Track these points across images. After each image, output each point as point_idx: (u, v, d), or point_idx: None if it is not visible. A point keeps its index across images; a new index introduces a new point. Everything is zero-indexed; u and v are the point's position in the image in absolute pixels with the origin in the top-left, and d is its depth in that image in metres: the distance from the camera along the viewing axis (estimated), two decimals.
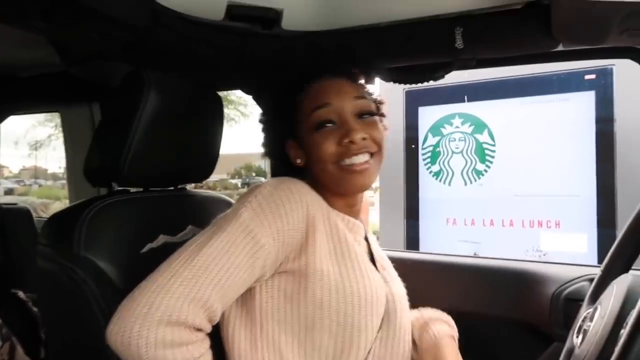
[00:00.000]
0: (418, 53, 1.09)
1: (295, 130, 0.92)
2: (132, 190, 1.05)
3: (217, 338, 0.83)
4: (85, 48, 1.11)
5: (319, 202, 0.85)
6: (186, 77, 1.08)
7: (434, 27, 1.00)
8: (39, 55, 1.39)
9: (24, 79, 1.65)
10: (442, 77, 1.11)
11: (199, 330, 0.71)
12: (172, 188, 1.12)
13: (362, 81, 0.99)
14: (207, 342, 0.74)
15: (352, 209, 0.93)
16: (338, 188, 0.88)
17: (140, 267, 0.91)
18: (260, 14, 1.05)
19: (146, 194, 1.04)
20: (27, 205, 1.60)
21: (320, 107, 0.87)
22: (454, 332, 0.98)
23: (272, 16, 1.05)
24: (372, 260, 0.92)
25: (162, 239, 0.96)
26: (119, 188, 1.00)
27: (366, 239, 0.95)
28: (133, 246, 0.91)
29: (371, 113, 0.90)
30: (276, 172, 1.38)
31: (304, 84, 0.91)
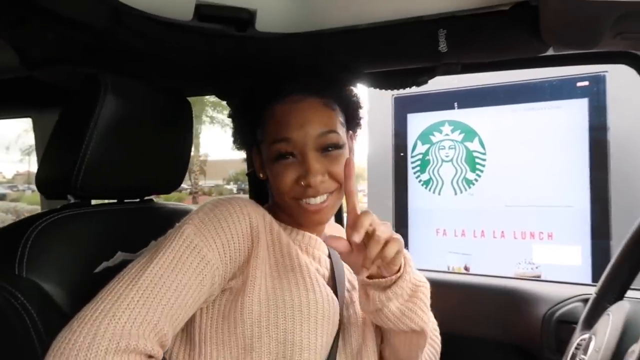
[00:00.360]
0: (399, 57, 1.03)
1: (260, 142, 0.88)
2: (94, 202, 0.97)
3: None
4: (44, 51, 1.04)
5: (262, 215, 0.82)
6: (152, 81, 1.01)
7: (416, 29, 0.95)
8: (8, 57, 1.32)
9: None
10: (426, 82, 1.05)
11: (150, 357, 0.64)
12: (137, 200, 1.05)
13: (338, 89, 0.91)
14: None
15: (313, 228, 0.90)
16: (294, 219, 0.86)
17: (93, 288, 0.84)
18: (231, 14, 0.99)
19: (106, 207, 0.96)
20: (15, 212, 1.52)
21: (281, 140, 0.82)
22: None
23: (245, 17, 0.99)
24: (333, 279, 0.86)
25: (120, 256, 0.89)
26: (75, 201, 0.92)
27: (330, 256, 0.90)
28: (86, 265, 0.84)
29: (337, 146, 0.83)
30: (252, 180, 1.31)
31: (271, 101, 0.85)
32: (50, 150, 0.92)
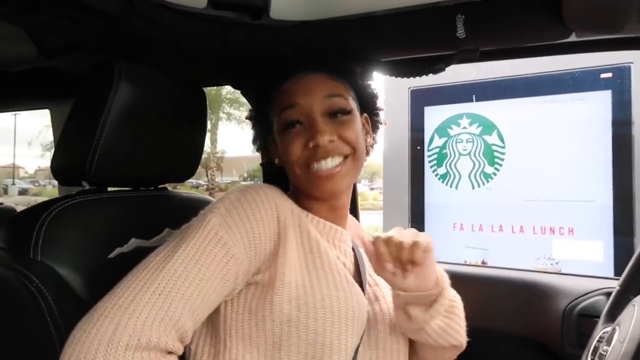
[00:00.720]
0: (416, 44, 1.01)
1: (271, 125, 0.87)
2: (110, 189, 0.98)
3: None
4: (60, 38, 1.05)
5: (290, 206, 0.80)
6: (166, 70, 1.01)
7: (433, 15, 0.93)
8: (27, 49, 1.34)
9: (13, 74, 1.60)
10: (443, 69, 1.03)
11: (170, 353, 0.63)
12: (151, 188, 1.05)
13: (349, 74, 0.90)
14: None
15: (334, 214, 0.86)
16: (307, 191, 0.83)
17: (107, 274, 0.84)
18: (246, 1, 0.98)
19: (119, 194, 0.97)
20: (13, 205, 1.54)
21: (288, 107, 0.81)
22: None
23: (260, 4, 0.99)
24: (358, 273, 0.84)
25: (133, 242, 0.89)
26: (89, 187, 0.92)
27: (354, 250, 0.87)
28: (100, 251, 0.84)
29: (344, 111, 0.82)
30: (266, 170, 1.31)
31: (281, 81, 0.85)
32: (65, 136, 0.93)
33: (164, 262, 0.65)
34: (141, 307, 0.60)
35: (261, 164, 1.30)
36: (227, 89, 16.12)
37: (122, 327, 0.58)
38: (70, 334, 0.59)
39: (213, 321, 0.74)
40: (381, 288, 0.88)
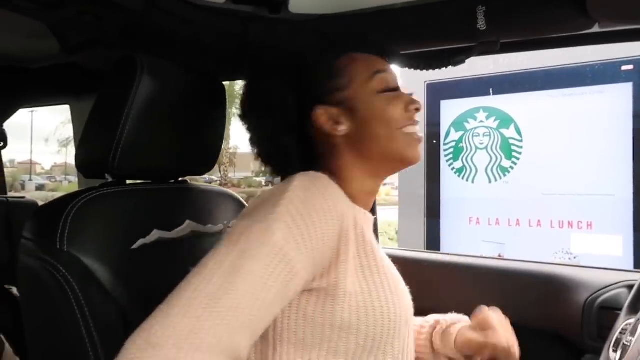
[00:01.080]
0: (436, 36, 1.01)
1: (326, 96, 0.81)
2: (129, 182, 0.99)
3: None
4: (82, 33, 1.07)
5: (348, 205, 0.76)
6: (187, 64, 1.02)
7: (453, 6, 0.92)
8: (47, 46, 1.36)
9: (34, 71, 1.63)
10: (463, 62, 1.02)
11: None
12: (172, 181, 1.06)
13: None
14: None
15: (372, 199, 0.86)
16: (400, 155, 0.80)
17: (131, 264, 0.86)
18: None
19: (141, 186, 0.98)
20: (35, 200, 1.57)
21: (382, 71, 0.82)
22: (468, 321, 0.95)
23: None
24: None
25: (156, 234, 0.90)
26: (112, 180, 0.94)
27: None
28: (123, 242, 0.85)
29: None
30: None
31: (345, 50, 0.84)
32: (89, 130, 0.94)
33: (225, 285, 0.58)
34: (199, 341, 0.54)
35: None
36: (240, 85, 16.16)
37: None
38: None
39: None
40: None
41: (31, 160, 30.83)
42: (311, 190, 0.69)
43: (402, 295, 0.77)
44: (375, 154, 0.80)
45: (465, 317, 0.95)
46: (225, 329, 0.56)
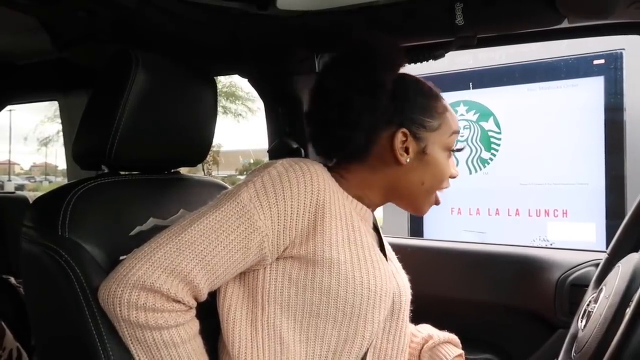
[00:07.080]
0: (417, 31, 1.06)
1: (414, 126, 0.84)
2: (123, 173, 1.02)
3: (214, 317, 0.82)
4: (75, 29, 1.09)
5: (335, 188, 0.82)
6: (179, 59, 1.05)
7: (433, 3, 0.97)
8: (36, 41, 1.37)
9: (22, 67, 1.64)
10: (442, 55, 1.08)
11: (178, 302, 0.71)
12: (165, 172, 1.10)
13: None
14: (188, 315, 0.74)
15: (373, 208, 0.92)
16: (417, 206, 0.89)
17: (129, 250, 0.89)
18: None
19: (136, 177, 1.01)
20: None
21: (457, 133, 0.89)
22: (461, 352, 0.99)
23: None
24: (382, 251, 0.89)
25: (152, 222, 0.94)
26: (107, 171, 0.97)
27: (375, 229, 0.93)
28: (122, 229, 0.88)
29: None
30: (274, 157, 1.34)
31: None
32: (85, 123, 0.97)
33: (187, 226, 0.73)
34: (155, 259, 0.70)
35: (269, 151, 1.33)
36: (223, 83, 16.00)
37: (135, 270, 0.69)
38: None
39: (251, 286, 0.79)
40: (394, 263, 0.94)
41: (9, 161, 30.18)
42: (290, 168, 0.78)
43: (386, 272, 0.82)
44: (403, 191, 0.88)
45: (456, 339, 1.01)
46: (178, 255, 0.70)
